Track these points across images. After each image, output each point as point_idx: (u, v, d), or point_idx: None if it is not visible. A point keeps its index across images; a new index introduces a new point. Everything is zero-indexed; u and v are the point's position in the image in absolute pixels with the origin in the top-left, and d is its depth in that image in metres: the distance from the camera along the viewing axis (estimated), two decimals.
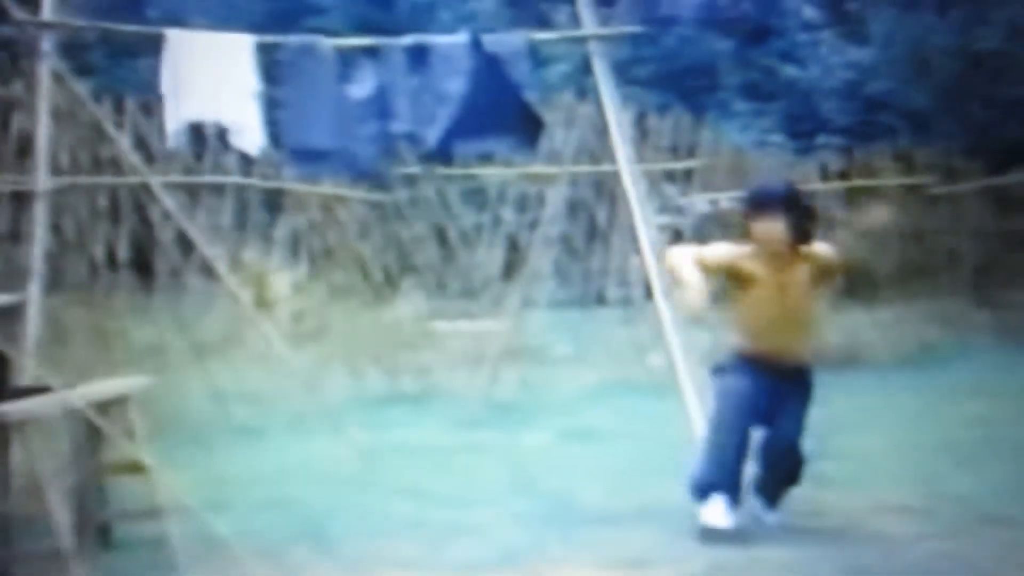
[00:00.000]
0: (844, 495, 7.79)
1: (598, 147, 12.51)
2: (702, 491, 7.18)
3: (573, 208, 13.85)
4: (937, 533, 7.08)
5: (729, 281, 7.50)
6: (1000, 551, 6.69)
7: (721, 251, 7.57)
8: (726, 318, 7.74)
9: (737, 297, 7.47)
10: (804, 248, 7.35)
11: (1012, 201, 17.55)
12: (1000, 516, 7.35)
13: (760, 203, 7.39)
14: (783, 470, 7.37)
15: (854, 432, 9.92)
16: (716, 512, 7.08)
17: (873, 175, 16.91)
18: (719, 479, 7.14)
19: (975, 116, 20.25)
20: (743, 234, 7.49)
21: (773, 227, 7.26)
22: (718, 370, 7.60)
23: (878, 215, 16.77)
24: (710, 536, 7.00)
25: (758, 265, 7.33)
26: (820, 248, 7.50)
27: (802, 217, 7.36)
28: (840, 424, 10.17)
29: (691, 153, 15.50)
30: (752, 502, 7.38)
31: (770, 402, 7.25)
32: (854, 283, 15.75)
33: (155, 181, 10.72)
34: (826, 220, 16.15)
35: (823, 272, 7.56)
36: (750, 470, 7.33)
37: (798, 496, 7.62)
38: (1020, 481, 8.27)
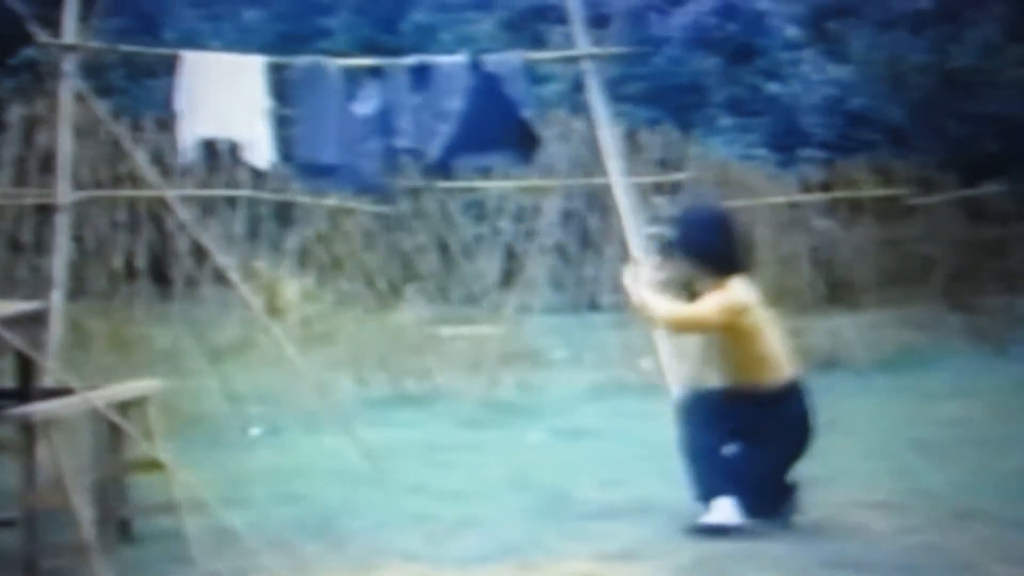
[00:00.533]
0: (825, 491, 7.76)
1: (591, 161, 12.49)
2: (704, 499, 7.11)
3: (567, 219, 13.86)
4: (914, 528, 7.06)
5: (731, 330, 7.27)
6: (974, 545, 6.67)
7: (727, 301, 7.23)
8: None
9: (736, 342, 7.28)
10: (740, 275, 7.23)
11: (984, 212, 17.55)
12: (974, 511, 7.34)
13: (686, 237, 7.39)
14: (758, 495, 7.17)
15: (834, 431, 9.84)
16: (724, 510, 7.02)
17: (853, 187, 16.89)
18: (710, 488, 7.09)
19: (949, 131, 20.26)
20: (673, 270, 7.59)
21: (697, 261, 7.26)
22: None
23: (858, 225, 16.77)
24: (715, 533, 6.94)
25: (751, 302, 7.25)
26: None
27: (729, 248, 7.29)
28: (821, 424, 10.19)
29: (679, 167, 15.51)
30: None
31: (741, 426, 7.16)
32: (835, 289, 15.80)
33: (171, 194, 10.72)
34: (808, 230, 16.27)
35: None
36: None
37: None
38: (993, 478, 8.25)
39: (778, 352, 7.27)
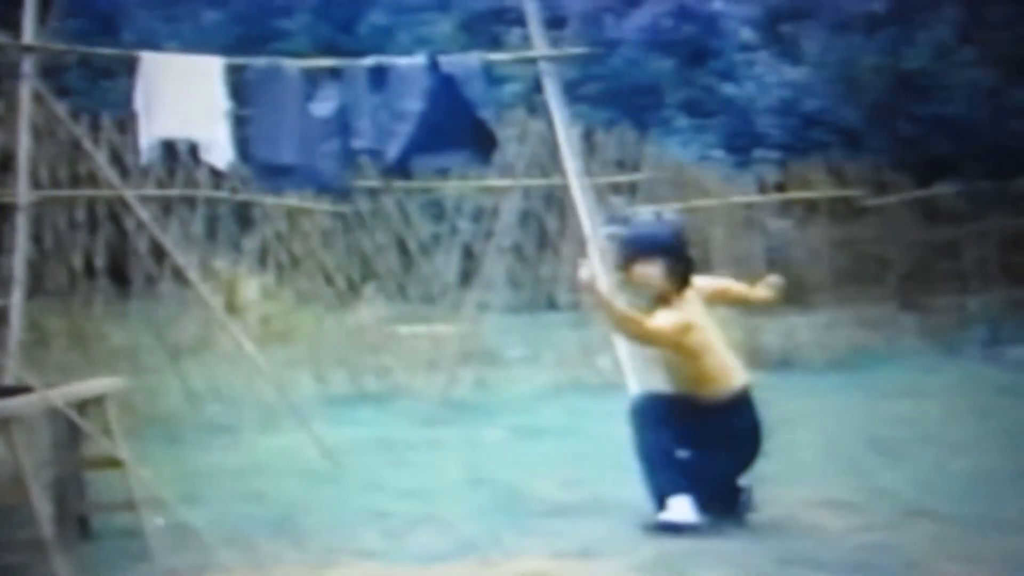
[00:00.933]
0: (780, 490, 7.79)
1: (549, 161, 12.55)
2: (659, 497, 7.09)
3: (525, 219, 13.87)
4: (867, 526, 7.09)
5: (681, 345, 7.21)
6: (926, 542, 6.71)
7: (670, 322, 7.19)
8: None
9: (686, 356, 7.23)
10: (686, 288, 7.26)
11: (937, 212, 17.69)
12: (926, 509, 7.37)
13: (638, 248, 7.33)
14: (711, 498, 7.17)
15: (789, 430, 9.93)
16: (681, 508, 7.00)
17: (807, 187, 16.97)
18: (665, 487, 7.07)
19: (903, 132, 20.39)
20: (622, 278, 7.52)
21: (650, 271, 7.22)
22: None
23: (812, 225, 16.85)
24: (672, 530, 6.93)
25: (698, 317, 7.23)
26: (702, 281, 7.46)
27: (680, 261, 7.26)
28: (775, 423, 10.23)
29: (636, 167, 15.54)
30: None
31: (690, 433, 7.13)
32: (790, 289, 15.87)
33: (130, 194, 10.69)
34: (762, 231, 16.36)
35: (716, 298, 7.65)
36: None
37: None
38: (945, 476, 8.30)
39: (725, 365, 7.27)
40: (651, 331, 7.15)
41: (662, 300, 7.22)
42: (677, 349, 7.14)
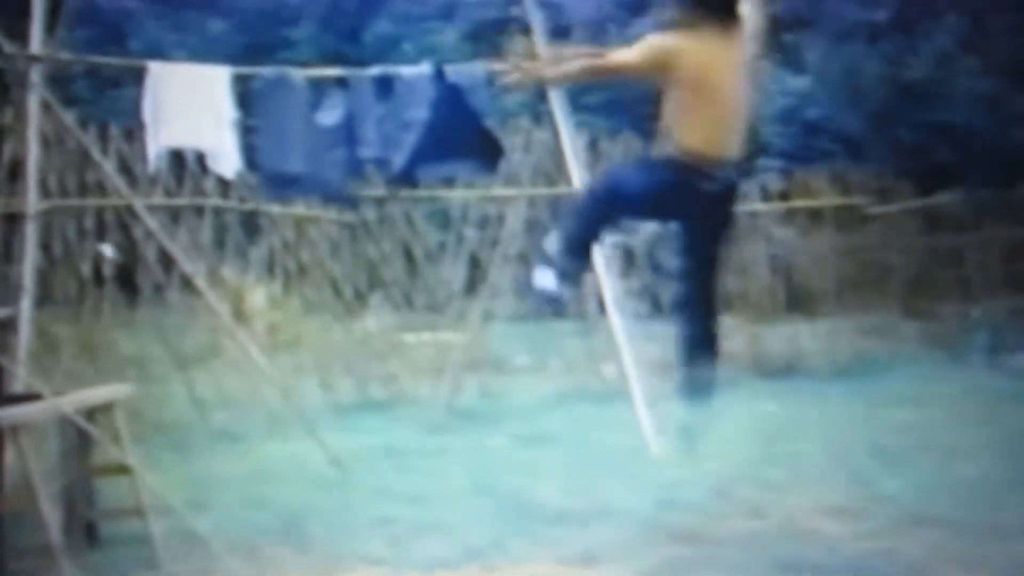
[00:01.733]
0: (784, 496, 7.81)
1: (554, 170, 12.55)
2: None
3: (531, 227, 13.87)
4: (870, 532, 7.11)
5: (664, 76, 6.56)
6: (928, 549, 6.72)
7: (651, 41, 6.59)
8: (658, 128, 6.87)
9: (672, 96, 6.57)
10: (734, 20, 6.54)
11: (940, 220, 17.66)
12: (928, 516, 7.39)
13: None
14: (697, 314, 6.77)
15: (792, 437, 9.97)
16: (546, 279, 6.66)
17: (811, 196, 16.95)
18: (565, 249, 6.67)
19: (906, 140, 20.38)
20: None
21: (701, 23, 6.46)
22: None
23: (816, 233, 16.85)
24: (540, 297, 6.69)
25: (697, 49, 6.45)
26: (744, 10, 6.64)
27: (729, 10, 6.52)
28: (779, 430, 10.27)
29: None
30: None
31: (685, 223, 6.66)
32: (794, 297, 15.87)
33: (138, 203, 10.72)
34: (767, 239, 16.35)
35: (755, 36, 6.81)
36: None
37: (741, 498, 7.67)
38: (948, 483, 8.30)
39: (715, 123, 6.54)
40: (617, 65, 6.75)
41: (715, 38, 6.47)
42: (665, 80, 6.52)
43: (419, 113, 10.36)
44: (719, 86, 6.47)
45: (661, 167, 6.67)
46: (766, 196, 17.38)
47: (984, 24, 20.55)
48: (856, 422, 10.87)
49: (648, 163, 6.93)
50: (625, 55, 6.62)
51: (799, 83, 22.13)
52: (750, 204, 16.85)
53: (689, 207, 6.60)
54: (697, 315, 6.84)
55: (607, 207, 6.75)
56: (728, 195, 6.70)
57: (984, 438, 9.83)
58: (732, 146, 6.57)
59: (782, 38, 22.84)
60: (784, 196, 17.38)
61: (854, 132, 21.09)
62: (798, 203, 16.92)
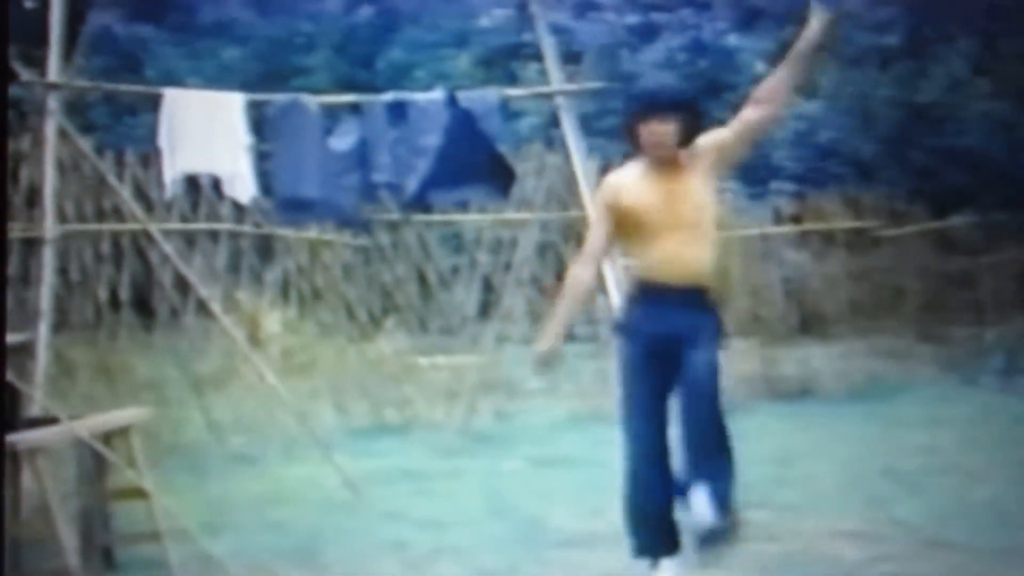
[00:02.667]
0: (799, 520, 7.80)
1: (566, 194, 12.56)
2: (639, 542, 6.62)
3: (543, 251, 13.89)
4: (886, 556, 7.08)
5: (621, 222, 6.46)
6: (944, 572, 6.71)
7: (600, 213, 6.56)
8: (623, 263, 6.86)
9: (629, 231, 6.48)
10: (690, 148, 6.41)
11: (953, 243, 17.66)
12: (943, 540, 7.36)
13: (651, 103, 6.47)
14: (701, 421, 6.38)
15: (807, 460, 9.95)
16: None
17: (823, 219, 16.95)
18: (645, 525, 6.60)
19: (917, 163, 20.36)
20: (629, 143, 6.57)
21: (663, 129, 6.35)
22: (618, 327, 6.77)
23: (828, 256, 16.83)
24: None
25: (643, 185, 6.42)
26: (706, 137, 6.49)
27: (695, 117, 6.44)
28: (794, 453, 10.25)
29: None
30: (694, 498, 6.41)
31: (675, 344, 6.34)
32: (807, 319, 15.85)
33: (154, 228, 10.76)
34: (780, 262, 16.35)
35: (719, 157, 6.54)
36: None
37: (756, 522, 7.65)
38: (963, 506, 8.29)
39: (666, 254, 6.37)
40: (592, 255, 6.59)
41: (665, 167, 6.42)
42: (642, 203, 6.39)
43: (432, 138, 10.40)
44: (661, 216, 6.37)
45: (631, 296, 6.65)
46: (779, 219, 17.41)
47: (995, 47, 20.56)
48: (870, 445, 10.84)
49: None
50: (593, 240, 6.59)
51: (811, 107, 22.11)
52: (763, 227, 16.88)
53: (663, 329, 6.42)
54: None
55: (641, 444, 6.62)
56: (699, 318, 6.44)
57: (999, 461, 9.81)
58: (692, 273, 6.40)
59: None
60: (797, 219, 17.40)
61: (866, 155, 21.07)
62: (811, 226, 16.92)
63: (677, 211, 6.34)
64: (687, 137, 6.38)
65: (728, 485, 6.42)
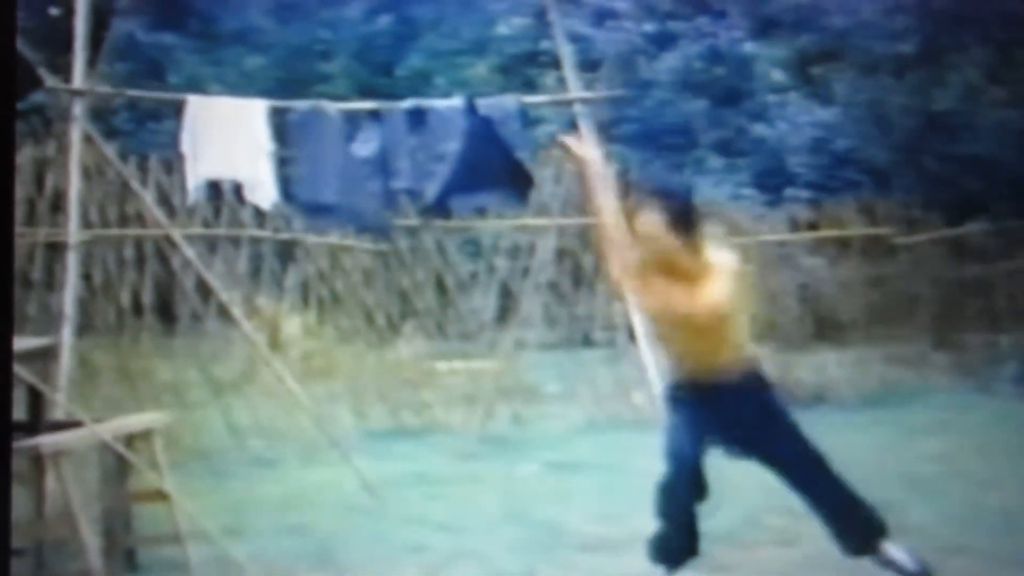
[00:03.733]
0: (814, 525, 7.77)
1: (584, 200, 12.56)
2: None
3: (561, 257, 13.87)
4: None
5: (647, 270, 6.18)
6: None
7: (628, 269, 6.30)
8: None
9: (653, 322, 6.42)
10: (704, 257, 6.10)
11: (968, 250, 17.61)
12: (959, 546, 7.35)
13: (636, 193, 6.39)
14: (827, 496, 6.47)
15: None
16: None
17: (839, 226, 16.91)
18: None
19: (933, 171, 20.31)
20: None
21: (652, 219, 6.09)
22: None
23: (844, 263, 16.81)
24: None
25: (661, 284, 6.13)
26: (721, 259, 6.20)
27: (683, 208, 6.15)
28: None
29: None
30: (890, 553, 6.39)
31: (737, 447, 6.37)
32: (822, 326, 15.83)
33: (177, 233, 10.79)
34: (796, 268, 16.33)
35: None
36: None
37: (772, 527, 7.64)
38: (978, 513, 8.27)
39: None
40: (611, 227, 6.34)
41: (672, 268, 6.10)
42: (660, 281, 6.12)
43: (451, 145, 10.41)
44: (683, 318, 6.10)
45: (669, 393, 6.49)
46: (795, 226, 17.38)
47: (1010, 56, 20.50)
48: (885, 451, 10.81)
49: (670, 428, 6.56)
50: (620, 232, 6.32)
51: (827, 114, 22.10)
52: (779, 234, 16.86)
53: (707, 420, 6.31)
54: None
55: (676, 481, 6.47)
56: (740, 403, 6.31)
57: (1014, 467, 9.78)
58: (721, 363, 6.21)
59: (810, 70, 22.90)
60: (812, 226, 17.36)
61: (882, 163, 21.04)
62: (826, 233, 16.90)
63: (689, 310, 6.05)
64: (681, 231, 6.07)
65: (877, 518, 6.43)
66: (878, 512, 6.42)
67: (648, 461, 9.24)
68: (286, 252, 14.70)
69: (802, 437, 6.48)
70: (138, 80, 16.76)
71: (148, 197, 11.08)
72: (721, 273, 6.08)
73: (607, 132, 13.60)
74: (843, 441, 11.14)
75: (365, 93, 16.83)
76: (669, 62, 23.37)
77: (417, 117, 10.51)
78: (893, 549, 6.34)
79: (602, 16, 23.32)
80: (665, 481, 6.48)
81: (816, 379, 14.04)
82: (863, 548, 6.37)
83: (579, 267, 14.37)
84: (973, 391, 14.26)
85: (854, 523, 6.41)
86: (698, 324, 6.03)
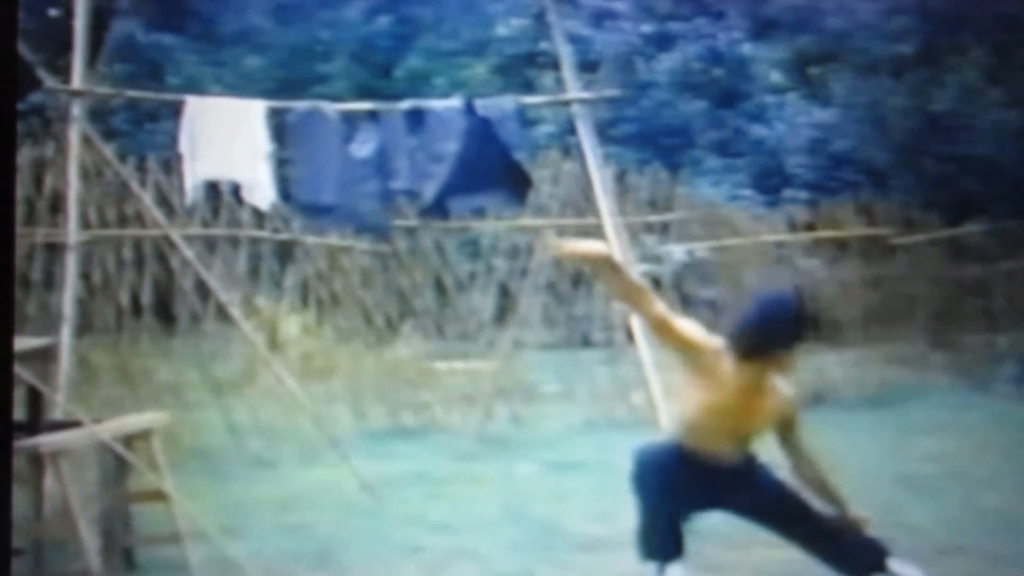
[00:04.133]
0: None
1: (582, 201, 12.57)
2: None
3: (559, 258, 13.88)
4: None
5: (685, 360, 6.11)
6: None
7: (694, 331, 6.06)
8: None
9: (688, 383, 6.18)
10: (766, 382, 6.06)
11: (966, 251, 17.61)
12: (957, 546, 7.36)
13: (782, 337, 6.02)
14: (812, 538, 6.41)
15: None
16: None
17: (837, 226, 16.91)
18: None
19: (931, 172, 20.31)
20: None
21: (789, 361, 6.06)
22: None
23: (842, 264, 16.81)
24: None
25: (725, 364, 6.00)
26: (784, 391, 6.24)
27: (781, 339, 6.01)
28: None
29: (668, 207, 15.54)
30: (895, 568, 6.31)
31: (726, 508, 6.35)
32: (820, 326, 15.84)
33: (175, 234, 10.79)
34: (794, 269, 16.33)
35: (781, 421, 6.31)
36: None
37: None
38: (976, 513, 8.29)
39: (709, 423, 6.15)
40: (658, 314, 5.97)
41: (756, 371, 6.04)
42: (716, 377, 6.01)
43: (450, 146, 10.41)
44: (731, 404, 6.05)
45: (669, 453, 6.41)
46: (793, 226, 17.37)
47: (1009, 57, 20.52)
48: (883, 451, 10.83)
49: (662, 448, 6.52)
50: (670, 315, 6.05)
51: (826, 115, 22.12)
52: (777, 234, 16.87)
53: (699, 493, 6.31)
54: None
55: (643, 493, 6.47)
56: (736, 488, 6.31)
57: (1012, 468, 9.80)
58: (731, 449, 6.21)
59: (808, 71, 22.91)
60: (811, 227, 17.36)
61: (880, 164, 21.04)
62: (824, 233, 16.90)
63: (739, 406, 6.05)
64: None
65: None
66: (875, 540, 6.36)
67: None
68: (285, 252, 14.70)
69: (789, 493, 6.42)
70: (137, 81, 16.78)
71: (147, 197, 11.09)
72: (776, 407, 6.17)
73: (605, 133, 13.61)
74: (841, 441, 11.19)
75: (364, 94, 16.83)
76: (667, 63, 23.38)
77: (416, 118, 10.52)
78: (899, 566, 6.30)
79: (601, 17, 23.34)
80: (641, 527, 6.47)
81: (814, 379, 14.03)
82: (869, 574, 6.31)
83: (577, 268, 14.38)
84: (971, 391, 14.28)
85: (853, 559, 6.37)
86: (731, 430, 6.09)
